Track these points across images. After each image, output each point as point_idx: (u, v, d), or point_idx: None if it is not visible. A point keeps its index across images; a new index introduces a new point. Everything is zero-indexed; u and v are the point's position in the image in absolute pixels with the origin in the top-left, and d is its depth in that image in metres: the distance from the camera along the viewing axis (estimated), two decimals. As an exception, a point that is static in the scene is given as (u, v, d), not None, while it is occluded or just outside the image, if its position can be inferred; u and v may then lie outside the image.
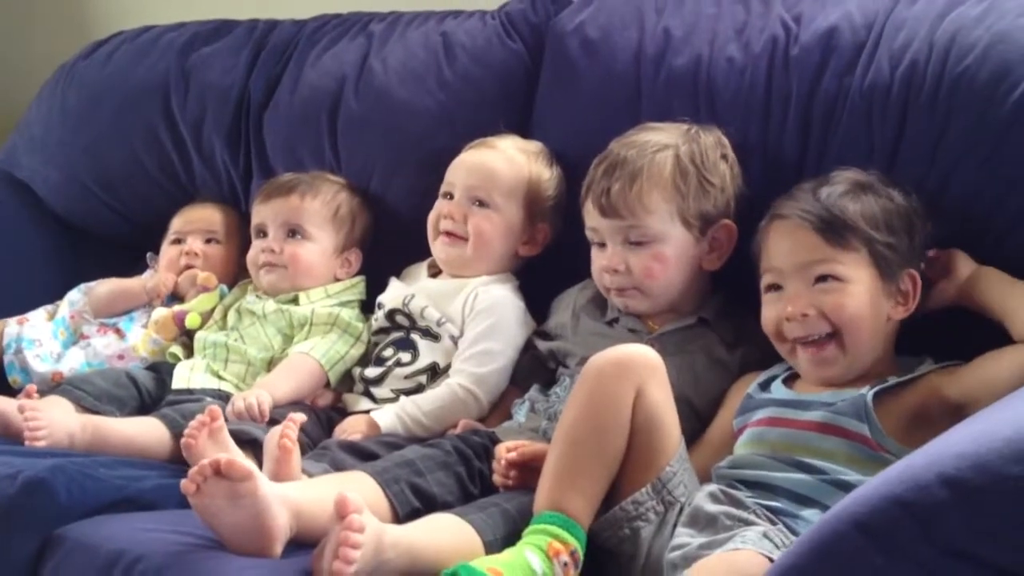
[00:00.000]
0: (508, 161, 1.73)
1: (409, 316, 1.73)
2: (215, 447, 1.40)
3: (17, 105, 2.46)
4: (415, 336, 1.71)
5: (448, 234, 1.73)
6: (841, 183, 1.42)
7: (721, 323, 1.56)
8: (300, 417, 1.37)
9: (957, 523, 0.83)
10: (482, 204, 1.72)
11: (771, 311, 1.41)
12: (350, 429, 1.59)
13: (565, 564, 1.21)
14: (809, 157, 1.59)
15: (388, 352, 1.72)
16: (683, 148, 1.55)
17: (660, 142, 1.56)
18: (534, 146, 1.77)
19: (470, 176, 1.73)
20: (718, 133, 1.59)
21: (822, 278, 1.37)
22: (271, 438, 1.36)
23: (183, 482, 1.17)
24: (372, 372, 1.71)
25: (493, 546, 1.26)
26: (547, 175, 1.74)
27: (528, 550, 1.20)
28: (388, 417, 1.59)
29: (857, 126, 1.55)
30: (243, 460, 1.19)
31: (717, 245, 1.56)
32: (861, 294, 1.36)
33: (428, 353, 1.69)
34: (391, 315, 1.75)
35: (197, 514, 1.19)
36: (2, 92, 2.82)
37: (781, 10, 1.68)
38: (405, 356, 1.70)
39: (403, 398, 1.63)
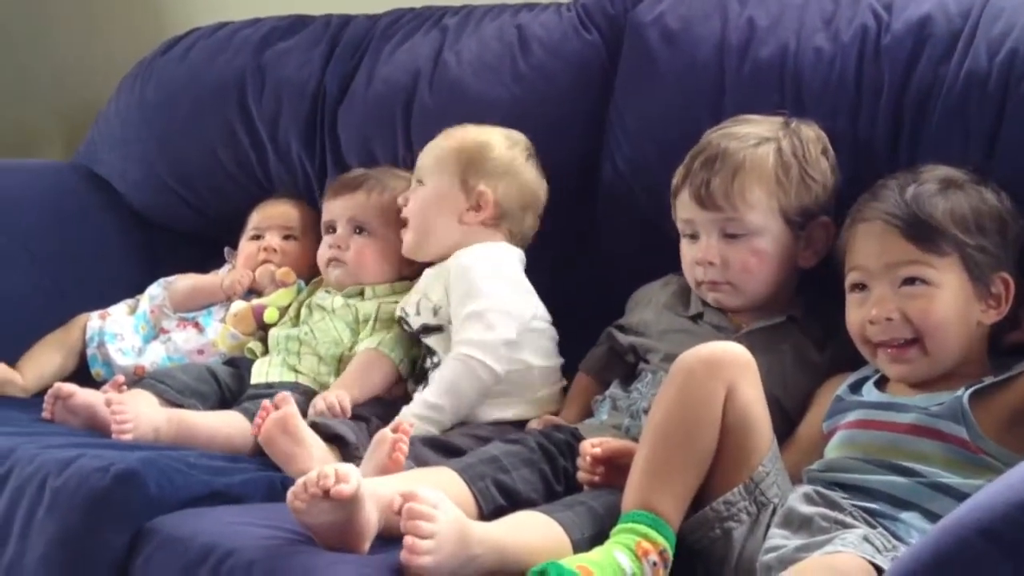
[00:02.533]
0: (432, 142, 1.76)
1: (406, 321, 1.71)
2: (287, 438, 1.41)
3: (96, 102, 2.50)
4: (426, 339, 1.69)
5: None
6: (929, 181, 1.37)
7: (810, 321, 1.53)
8: (408, 422, 1.38)
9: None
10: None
11: (856, 312, 1.37)
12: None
13: (654, 564, 1.20)
14: (901, 150, 1.55)
15: (428, 363, 1.70)
16: (784, 141, 1.52)
17: (760, 134, 1.52)
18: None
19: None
20: (816, 127, 1.56)
21: (909, 280, 1.33)
22: (380, 443, 1.36)
23: (290, 501, 1.17)
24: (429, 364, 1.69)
25: (580, 545, 1.24)
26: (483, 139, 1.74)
27: (617, 549, 1.19)
28: (415, 423, 1.53)
29: (952, 118, 1.51)
30: (334, 463, 1.20)
31: (813, 242, 1.52)
32: (948, 299, 1.32)
33: (441, 346, 1.66)
34: (400, 322, 1.74)
35: (295, 516, 1.19)
36: (81, 89, 2.88)
37: None
38: (433, 359, 1.68)
39: (416, 397, 1.60)
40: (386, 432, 1.37)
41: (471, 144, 1.72)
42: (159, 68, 2.25)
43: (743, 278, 1.52)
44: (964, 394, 1.27)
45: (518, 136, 1.76)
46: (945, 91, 1.52)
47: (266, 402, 1.45)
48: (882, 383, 1.39)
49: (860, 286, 1.37)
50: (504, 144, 1.74)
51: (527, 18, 1.94)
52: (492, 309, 1.60)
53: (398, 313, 1.73)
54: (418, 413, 1.56)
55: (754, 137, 1.52)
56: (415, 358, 1.74)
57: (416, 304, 1.69)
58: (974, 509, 0.84)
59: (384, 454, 1.34)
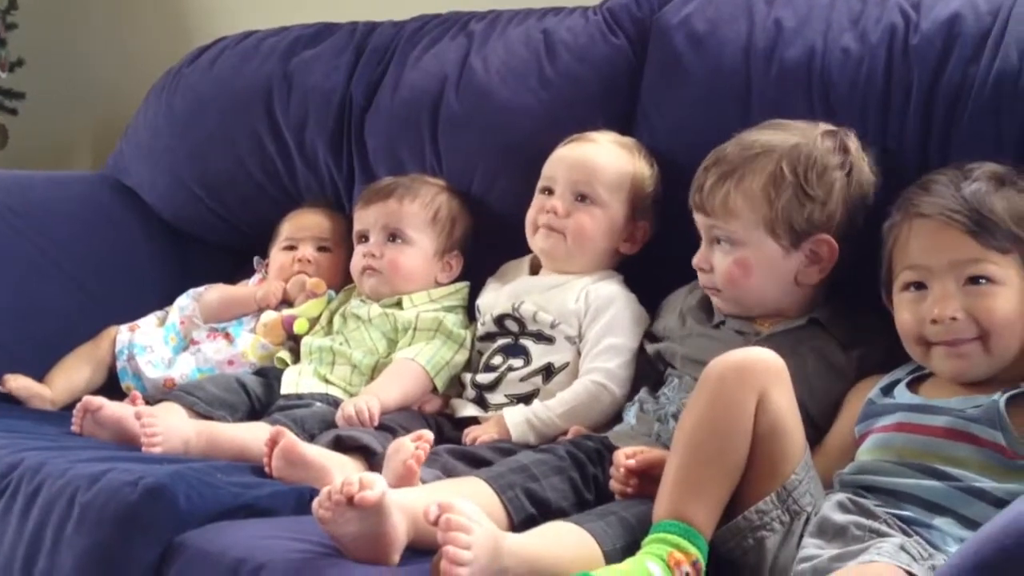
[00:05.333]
0: (611, 156, 1.71)
1: (520, 321, 1.72)
2: (296, 468, 1.43)
3: (124, 113, 2.52)
4: (526, 341, 1.70)
5: (547, 227, 1.71)
6: (983, 178, 1.35)
7: (836, 324, 1.51)
8: (430, 436, 1.37)
9: None
10: (585, 199, 1.70)
11: (911, 312, 1.34)
12: (480, 432, 1.59)
13: (687, 574, 1.18)
14: (931, 150, 1.54)
15: (497, 359, 1.71)
16: (790, 155, 1.49)
17: (769, 144, 1.51)
18: (632, 141, 1.75)
19: (573, 171, 1.71)
20: (847, 139, 1.52)
21: (974, 279, 1.30)
22: (397, 451, 1.36)
23: (315, 510, 1.18)
24: (484, 378, 1.70)
25: (612, 556, 1.24)
26: (648, 171, 1.72)
27: (649, 560, 1.18)
28: (519, 426, 1.58)
29: (983, 117, 1.49)
30: (355, 476, 1.18)
31: (816, 259, 1.50)
32: (1012, 297, 1.30)
33: (541, 355, 1.68)
34: (500, 320, 1.73)
35: (321, 526, 1.19)
36: (110, 100, 2.91)
37: None
38: (516, 362, 1.69)
39: (535, 403, 1.62)
40: (404, 440, 1.38)
41: (638, 173, 1.71)
42: (186, 78, 2.26)
43: (728, 287, 1.52)
44: (1001, 398, 1.25)
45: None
46: (975, 91, 1.51)
47: (265, 442, 1.46)
48: (915, 384, 1.37)
49: (917, 285, 1.34)
50: (656, 176, 1.74)
51: (553, 22, 1.94)
52: (629, 346, 1.64)
53: (499, 311, 1.73)
54: (531, 421, 1.59)
55: (761, 146, 1.51)
56: (455, 371, 1.75)
57: (533, 313, 1.69)
58: (1018, 517, 0.82)
59: (400, 462, 1.35)
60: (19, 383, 1.88)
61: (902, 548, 1.12)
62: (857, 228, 1.50)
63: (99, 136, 2.96)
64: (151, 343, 1.94)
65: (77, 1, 2.98)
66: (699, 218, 1.54)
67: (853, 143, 1.52)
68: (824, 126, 1.54)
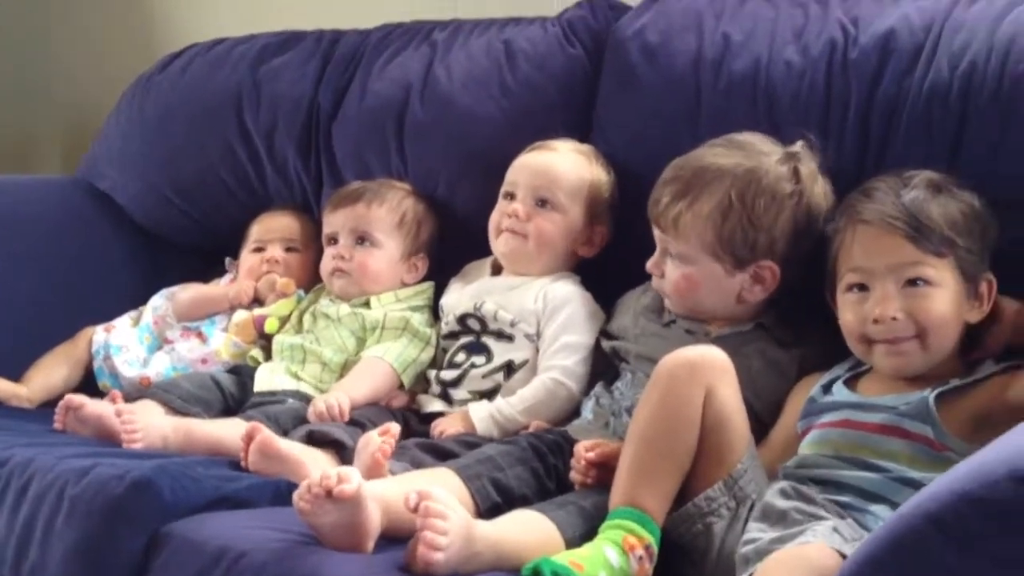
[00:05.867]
0: (570, 163, 1.78)
1: (481, 320, 1.78)
2: (272, 462, 1.49)
3: (92, 117, 2.55)
4: (487, 339, 1.77)
5: (510, 230, 1.78)
6: (921, 186, 1.42)
7: (780, 327, 1.58)
8: (396, 428, 1.43)
9: (1026, 517, 0.87)
10: (545, 204, 1.77)
11: (854, 312, 1.41)
12: (447, 426, 1.66)
13: (640, 558, 1.26)
14: (869, 159, 1.60)
15: (460, 357, 1.78)
16: (741, 181, 1.52)
17: (723, 168, 1.54)
18: (590, 149, 1.81)
19: (535, 177, 1.78)
20: (801, 164, 1.54)
21: (912, 281, 1.38)
22: (366, 445, 1.43)
23: (296, 502, 1.24)
24: (448, 375, 1.77)
25: (573, 542, 1.31)
26: (605, 178, 1.79)
27: (606, 544, 1.25)
28: (484, 421, 1.65)
29: (917, 127, 1.56)
30: (332, 470, 1.25)
31: (760, 280, 1.55)
32: (947, 297, 1.37)
33: (502, 353, 1.75)
34: (462, 319, 1.80)
35: (301, 516, 1.25)
36: (80, 106, 2.92)
37: (839, 13, 1.69)
38: (479, 359, 1.76)
39: (497, 400, 1.68)
40: (372, 434, 1.44)
41: (596, 180, 1.77)
42: (158, 84, 2.30)
43: (675, 296, 1.59)
44: (931, 395, 1.33)
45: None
46: (910, 103, 1.57)
47: (241, 436, 1.52)
48: (852, 382, 1.45)
49: (860, 286, 1.41)
50: (613, 182, 1.79)
51: (513, 33, 1.99)
52: (585, 344, 1.70)
53: (461, 310, 1.79)
54: (495, 416, 1.65)
55: (715, 170, 1.54)
56: (421, 368, 1.81)
57: (494, 312, 1.75)
58: (925, 499, 0.91)
59: (368, 455, 1.41)
60: (-3, 384, 1.92)
61: (835, 530, 1.20)
62: (803, 252, 1.54)
63: (67, 140, 2.97)
64: (126, 343, 1.98)
65: (46, 6, 2.99)
66: (655, 229, 1.60)
67: (808, 167, 1.55)
68: (781, 149, 1.56)
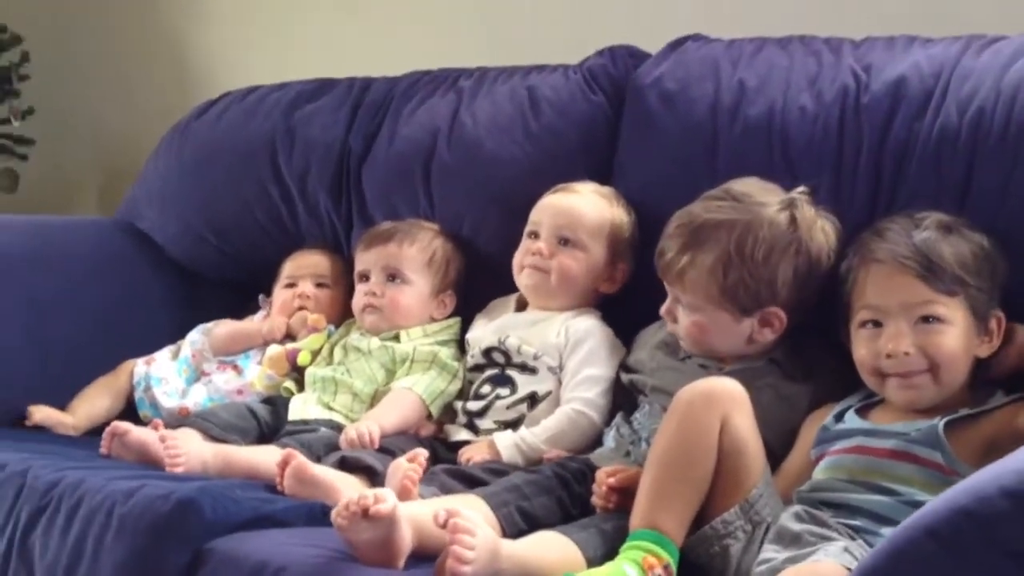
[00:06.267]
0: (592, 204, 1.84)
1: (505, 353, 1.84)
2: (307, 487, 1.54)
3: (128, 160, 2.63)
4: (511, 372, 1.83)
5: (533, 267, 1.84)
6: (932, 227, 1.47)
7: (791, 362, 1.62)
8: (424, 454, 1.49)
9: (1016, 529, 0.92)
10: (568, 243, 1.83)
11: (868, 347, 1.46)
12: (474, 453, 1.72)
13: (659, 576, 1.31)
14: (881, 200, 1.64)
15: (486, 388, 1.83)
16: (740, 236, 1.55)
17: (723, 221, 1.57)
18: (610, 191, 1.87)
19: (557, 216, 1.84)
20: (798, 210, 1.58)
21: (924, 319, 1.43)
22: (396, 469, 1.49)
23: (334, 518, 1.30)
24: (474, 406, 1.83)
25: (593, 562, 1.35)
26: (626, 218, 1.85)
27: (626, 563, 1.30)
28: (509, 449, 1.70)
29: (927, 171, 1.61)
30: (369, 492, 1.31)
31: (768, 324, 1.59)
32: (958, 334, 1.43)
33: (526, 385, 1.81)
34: (487, 352, 1.86)
35: (338, 533, 1.31)
36: (114, 148, 3.01)
37: (851, 60, 1.74)
38: (503, 391, 1.82)
39: (522, 430, 1.73)
40: (401, 461, 1.50)
41: (617, 220, 1.83)
42: (195, 130, 2.37)
43: (688, 341, 1.64)
44: (940, 423, 1.39)
45: None
46: (920, 147, 1.61)
47: (276, 462, 1.57)
48: (864, 411, 1.50)
49: (874, 323, 1.46)
50: (633, 222, 1.85)
51: (537, 80, 2.05)
52: (606, 376, 1.76)
53: (486, 344, 1.85)
54: (519, 445, 1.70)
55: (715, 224, 1.57)
56: (448, 399, 1.87)
57: (517, 346, 1.81)
58: (924, 513, 0.97)
59: (397, 481, 1.47)
60: (43, 413, 1.98)
61: (846, 550, 1.25)
62: (808, 295, 1.58)
63: (105, 182, 3.05)
64: (166, 375, 2.05)
65: (86, 55, 3.08)
66: (664, 280, 1.65)
67: (806, 212, 1.58)
68: (779, 197, 1.60)
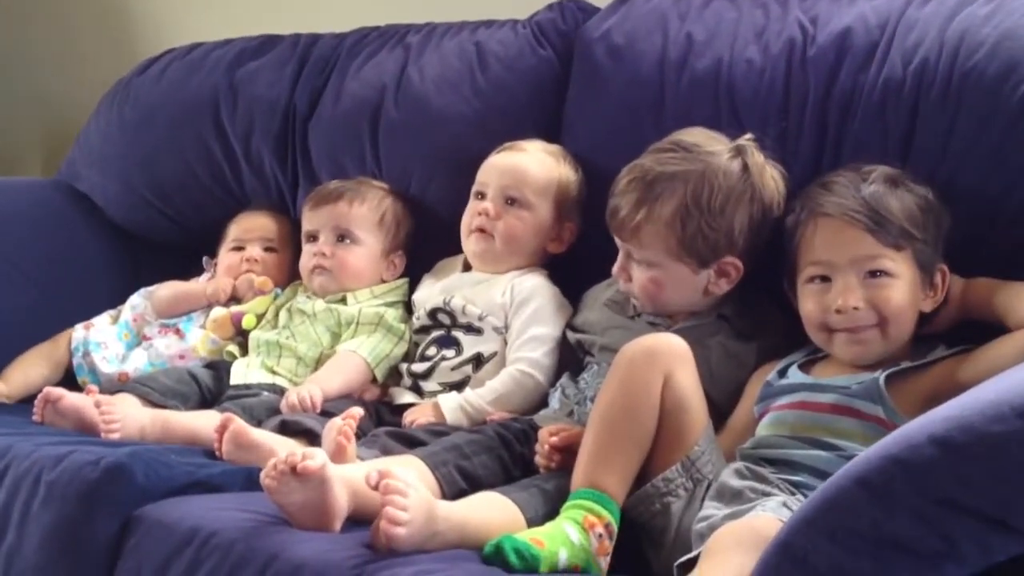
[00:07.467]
0: (539, 163, 1.82)
1: (451, 314, 1.82)
2: (245, 451, 1.52)
3: (71, 121, 2.58)
4: (457, 333, 1.81)
5: (480, 230, 1.82)
6: (879, 180, 1.46)
7: (740, 318, 1.62)
8: (358, 412, 1.47)
9: (944, 476, 0.92)
10: (515, 203, 1.81)
11: (816, 302, 1.45)
12: (418, 415, 1.70)
13: (600, 535, 1.29)
14: (826, 153, 1.64)
15: (432, 350, 1.82)
16: (695, 187, 1.55)
17: (676, 173, 1.56)
18: (558, 149, 1.85)
19: (503, 176, 1.82)
20: (749, 157, 1.57)
21: (873, 273, 1.42)
22: (330, 429, 1.46)
23: (263, 479, 1.27)
24: (419, 367, 1.81)
25: (535, 522, 1.34)
26: (573, 176, 1.83)
27: (566, 523, 1.29)
28: (454, 411, 1.68)
29: (871, 122, 1.60)
30: (298, 450, 1.28)
31: (724, 274, 1.59)
32: (905, 288, 1.42)
33: (471, 346, 1.79)
34: (433, 314, 1.84)
35: (268, 495, 1.29)
36: (59, 110, 2.95)
37: (798, 12, 1.73)
38: (449, 352, 1.80)
39: (467, 391, 1.72)
40: (335, 420, 1.48)
41: (564, 178, 1.81)
42: (136, 88, 2.33)
43: (643, 298, 1.63)
44: (881, 376, 1.38)
45: None
46: (865, 98, 1.61)
47: (214, 427, 1.55)
48: (806, 366, 1.49)
49: (822, 277, 1.46)
50: (581, 181, 1.83)
51: (485, 35, 2.03)
52: (552, 336, 1.74)
53: (432, 305, 1.83)
54: (464, 407, 1.69)
55: (668, 176, 1.56)
56: (394, 362, 1.85)
57: (462, 306, 1.79)
58: (855, 463, 0.97)
59: (332, 438, 1.45)
60: (-25, 379, 1.94)
61: (784, 504, 1.24)
62: (762, 241, 1.58)
63: (48, 143, 3.00)
64: (105, 340, 2.01)
65: (23, 13, 3.02)
66: (616, 239, 1.63)
67: (755, 158, 1.58)
68: (729, 144, 1.59)
